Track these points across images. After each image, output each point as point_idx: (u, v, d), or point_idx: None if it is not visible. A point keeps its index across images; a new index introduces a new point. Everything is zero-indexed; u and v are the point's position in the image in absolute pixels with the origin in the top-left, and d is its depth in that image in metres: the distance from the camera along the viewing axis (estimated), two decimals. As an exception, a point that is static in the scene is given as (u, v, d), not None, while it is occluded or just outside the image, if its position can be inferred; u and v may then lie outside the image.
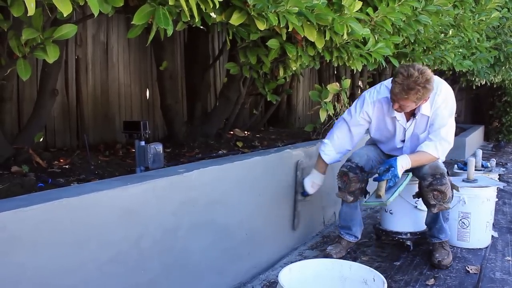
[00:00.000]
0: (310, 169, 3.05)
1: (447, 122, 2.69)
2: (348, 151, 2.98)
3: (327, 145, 2.93)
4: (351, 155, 2.93)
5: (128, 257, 1.84)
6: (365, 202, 2.79)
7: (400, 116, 2.75)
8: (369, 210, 4.14)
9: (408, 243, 3.07)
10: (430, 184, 2.70)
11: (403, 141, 2.85)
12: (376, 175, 2.72)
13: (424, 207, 2.90)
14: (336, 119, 4.04)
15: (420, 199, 2.88)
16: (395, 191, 2.66)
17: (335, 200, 3.21)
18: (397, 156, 2.81)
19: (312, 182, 3.00)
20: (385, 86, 2.79)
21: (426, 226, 2.99)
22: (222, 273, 2.42)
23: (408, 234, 3.06)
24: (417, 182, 2.83)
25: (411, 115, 2.75)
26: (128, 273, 1.84)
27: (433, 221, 2.86)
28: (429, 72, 2.50)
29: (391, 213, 3.12)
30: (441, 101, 2.67)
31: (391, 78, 2.64)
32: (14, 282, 1.43)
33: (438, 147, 2.67)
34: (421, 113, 2.69)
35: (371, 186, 2.89)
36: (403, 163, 2.63)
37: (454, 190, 2.89)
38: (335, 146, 2.92)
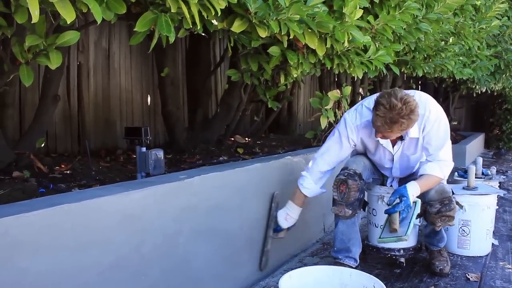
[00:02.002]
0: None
1: (444, 143, 2.54)
2: (329, 171, 2.73)
3: (306, 178, 2.69)
4: (346, 164, 2.71)
5: (129, 262, 1.84)
6: (380, 238, 2.57)
7: (384, 141, 2.59)
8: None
9: (402, 260, 2.87)
10: (438, 211, 2.59)
11: (392, 160, 2.72)
12: (387, 207, 2.51)
13: (417, 222, 2.77)
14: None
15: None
16: (410, 222, 2.47)
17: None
18: (388, 175, 2.78)
19: (286, 215, 2.70)
20: (366, 107, 2.57)
21: (424, 235, 2.91)
22: (222, 279, 2.42)
23: (401, 251, 2.83)
24: None
25: (398, 138, 2.59)
26: (129, 279, 1.84)
27: (434, 232, 2.80)
28: (412, 100, 2.29)
29: (382, 229, 2.97)
30: (433, 122, 2.48)
31: (371, 98, 2.47)
32: (15, 287, 1.43)
33: (442, 167, 2.53)
34: (409, 137, 2.54)
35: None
36: (413, 191, 2.45)
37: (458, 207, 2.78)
38: (317, 168, 2.69)
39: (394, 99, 2.25)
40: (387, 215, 2.53)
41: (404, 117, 2.27)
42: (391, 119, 2.27)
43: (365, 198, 2.86)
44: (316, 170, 2.69)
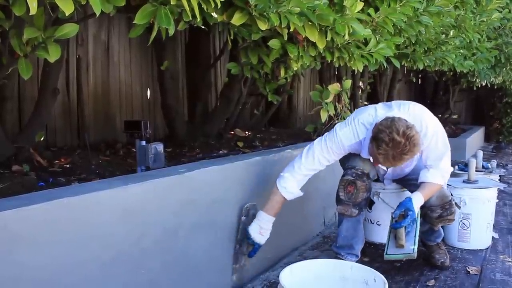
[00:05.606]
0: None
1: (443, 154, 2.46)
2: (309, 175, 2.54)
3: (288, 180, 2.46)
4: (352, 162, 2.57)
5: (129, 256, 1.84)
6: (387, 255, 2.48)
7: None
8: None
9: None
10: (439, 216, 2.59)
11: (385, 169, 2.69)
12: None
13: None
14: (337, 119, 4.05)
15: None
16: (415, 235, 2.43)
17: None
18: (380, 177, 2.77)
19: (260, 228, 2.44)
20: (361, 124, 2.42)
21: (421, 232, 2.77)
22: (222, 271, 2.42)
23: None
24: (403, 190, 2.78)
25: None
26: (129, 273, 1.84)
27: (432, 229, 2.78)
28: (414, 131, 2.16)
29: (378, 225, 2.94)
30: (431, 137, 2.38)
31: (365, 112, 2.40)
32: (15, 281, 1.43)
33: (444, 174, 2.50)
34: None
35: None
36: (419, 203, 2.42)
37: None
38: (301, 172, 2.47)
39: (396, 135, 2.11)
40: (391, 228, 2.50)
41: (408, 154, 2.17)
42: (394, 156, 2.16)
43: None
44: (299, 173, 2.49)
